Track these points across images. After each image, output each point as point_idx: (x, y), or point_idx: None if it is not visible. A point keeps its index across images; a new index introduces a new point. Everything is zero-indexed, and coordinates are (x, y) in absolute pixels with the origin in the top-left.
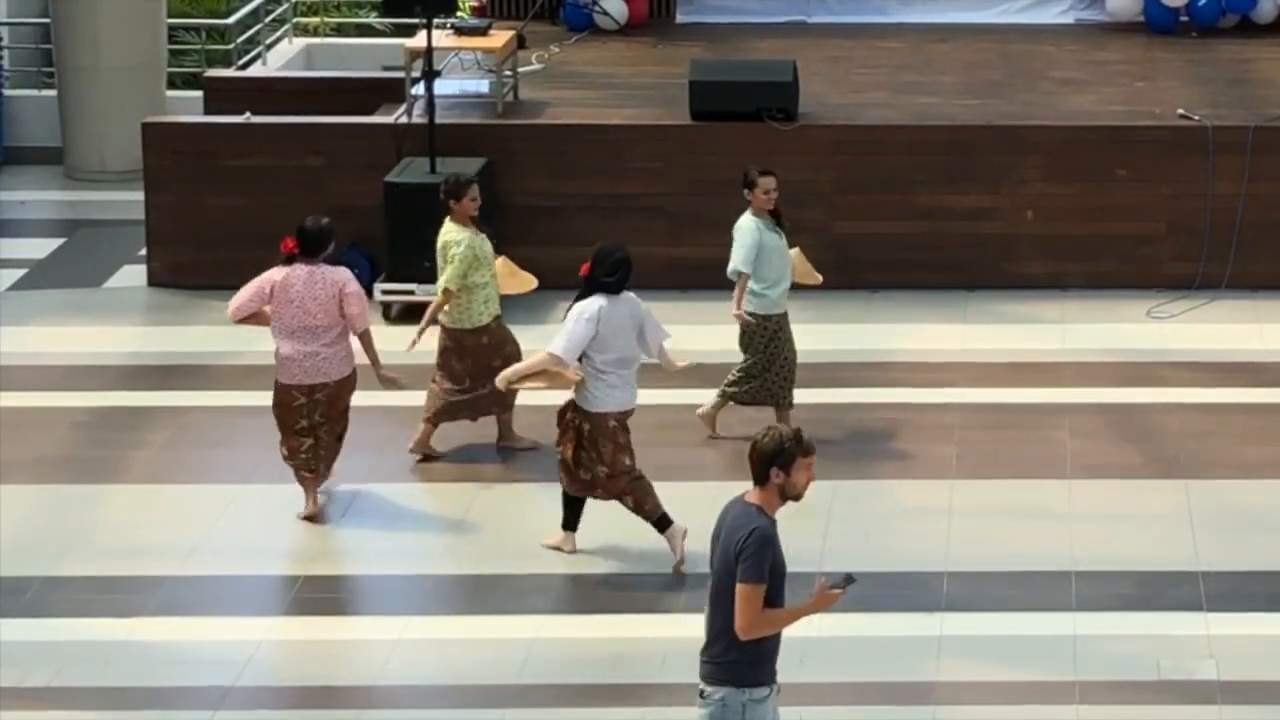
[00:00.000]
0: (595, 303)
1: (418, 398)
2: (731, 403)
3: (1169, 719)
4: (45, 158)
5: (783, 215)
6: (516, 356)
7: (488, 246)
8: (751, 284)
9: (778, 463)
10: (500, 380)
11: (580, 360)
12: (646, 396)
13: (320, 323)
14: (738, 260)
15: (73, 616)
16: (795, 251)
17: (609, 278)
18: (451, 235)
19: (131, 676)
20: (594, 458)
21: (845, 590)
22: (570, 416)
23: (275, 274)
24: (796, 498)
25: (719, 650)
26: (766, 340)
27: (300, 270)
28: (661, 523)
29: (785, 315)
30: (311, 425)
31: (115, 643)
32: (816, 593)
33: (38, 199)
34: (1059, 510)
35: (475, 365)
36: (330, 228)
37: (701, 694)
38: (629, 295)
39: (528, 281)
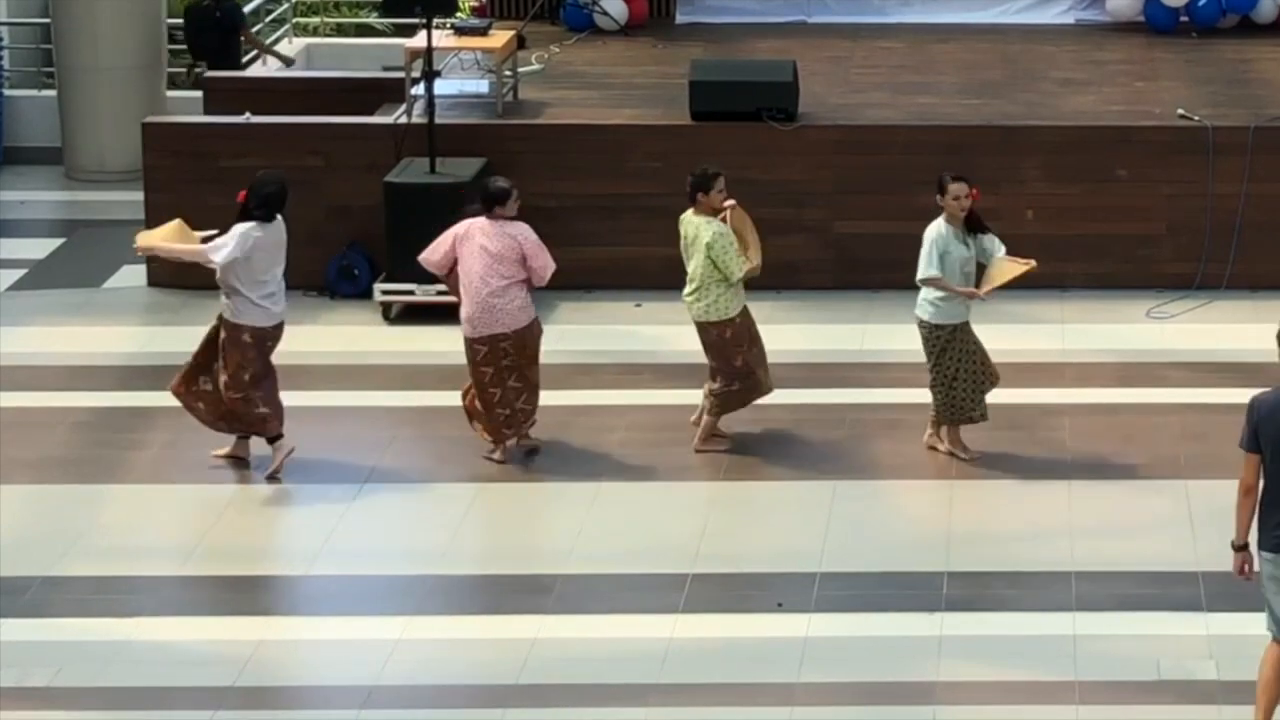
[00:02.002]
0: (249, 227)
1: (418, 398)
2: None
3: (1169, 719)
4: (45, 158)
5: (981, 221)
6: (753, 357)
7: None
8: (927, 291)
9: None
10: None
11: (233, 279)
12: (648, 398)
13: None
14: (920, 268)
15: (73, 616)
16: (1000, 257)
17: (259, 209)
18: (705, 227)
19: (131, 676)
20: (220, 366)
21: None
22: (215, 326)
23: (459, 228)
24: None
25: None
26: (938, 352)
27: (480, 224)
28: (273, 439)
29: (963, 325)
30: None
31: (115, 643)
32: None
33: (38, 199)
34: (1059, 510)
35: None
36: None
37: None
38: (279, 222)
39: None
